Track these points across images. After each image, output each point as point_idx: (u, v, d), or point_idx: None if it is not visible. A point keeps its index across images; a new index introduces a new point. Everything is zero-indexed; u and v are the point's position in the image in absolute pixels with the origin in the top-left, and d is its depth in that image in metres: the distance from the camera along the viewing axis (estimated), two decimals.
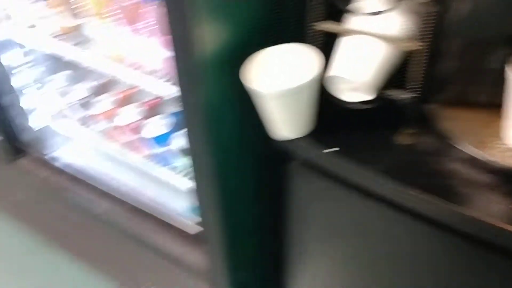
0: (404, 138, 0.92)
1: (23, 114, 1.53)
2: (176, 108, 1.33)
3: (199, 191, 1.09)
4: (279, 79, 0.84)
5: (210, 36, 0.83)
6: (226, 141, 0.99)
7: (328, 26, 0.86)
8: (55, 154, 1.56)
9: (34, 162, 1.56)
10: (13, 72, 1.44)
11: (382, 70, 0.85)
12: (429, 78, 0.90)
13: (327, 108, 0.96)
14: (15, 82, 1.46)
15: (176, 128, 1.33)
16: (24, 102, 1.52)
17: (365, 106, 0.88)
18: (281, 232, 1.22)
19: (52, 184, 1.52)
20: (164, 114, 1.36)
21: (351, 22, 0.87)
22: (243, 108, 0.98)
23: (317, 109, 0.92)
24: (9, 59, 1.42)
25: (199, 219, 1.22)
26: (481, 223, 0.80)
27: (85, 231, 1.62)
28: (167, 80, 1.15)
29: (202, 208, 1.13)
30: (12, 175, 1.63)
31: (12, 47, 1.41)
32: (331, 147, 0.91)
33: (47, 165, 1.54)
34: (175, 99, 1.32)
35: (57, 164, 1.53)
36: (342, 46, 0.87)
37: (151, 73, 1.17)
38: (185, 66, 0.86)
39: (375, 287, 1.13)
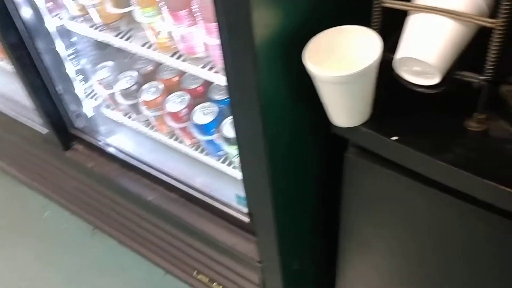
0: (475, 124, 0.83)
1: (77, 101, 1.54)
2: (221, 96, 1.32)
3: (247, 182, 1.05)
4: (340, 63, 0.78)
5: (268, 19, 0.78)
6: (279, 130, 0.94)
7: (395, 3, 0.78)
8: (107, 140, 1.56)
9: (87, 149, 1.58)
10: (68, 59, 1.45)
11: (453, 50, 0.77)
12: (505, 57, 0.81)
13: (390, 92, 0.89)
14: (69, 69, 1.47)
15: (222, 116, 1.29)
16: (78, 89, 1.53)
17: (432, 90, 0.80)
18: (336, 221, 1.17)
19: (104, 171, 1.53)
20: (209, 102, 1.32)
21: None
22: (300, 94, 0.93)
23: (377, 94, 0.86)
24: (63, 46, 1.43)
25: (249, 208, 1.19)
26: None
27: (136, 216, 1.62)
28: (211, 68, 1.12)
29: (250, 199, 1.10)
30: (66, 162, 1.65)
31: (65, 34, 1.42)
32: (392, 135, 0.84)
33: (100, 151, 1.55)
34: (220, 87, 1.30)
35: (109, 150, 1.53)
36: (410, 25, 0.79)
37: (196, 60, 1.13)
38: (239, 52, 0.80)
39: (432, 280, 1.06)
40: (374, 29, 0.82)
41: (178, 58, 1.19)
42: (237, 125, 0.96)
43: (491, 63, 0.76)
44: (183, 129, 1.39)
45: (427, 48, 0.75)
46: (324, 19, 0.83)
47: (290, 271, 1.25)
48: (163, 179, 1.43)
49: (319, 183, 1.19)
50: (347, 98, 0.82)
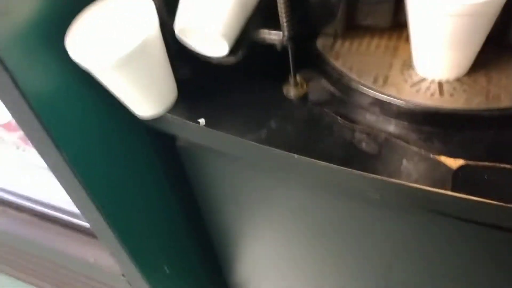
0: (290, 90, 0.72)
1: None
2: None
3: (67, 190, 0.89)
4: (113, 45, 0.63)
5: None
6: (76, 132, 0.78)
7: None
8: None
9: None
10: None
11: (236, 9, 0.63)
12: (308, 6, 0.69)
13: (194, 68, 0.76)
14: None
15: None
16: None
17: (230, 59, 0.67)
18: (195, 219, 1.05)
19: None
20: None
21: None
22: (93, 88, 0.77)
23: (179, 72, 0.72)
24: None
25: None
26: (398, 187, 0.62)
27: None
28: None
29: (78, 207, 0.94)
30: None
31: None
32: (199, 118, 0.71)
33: None
34: None
35: None
36: None
37: None
38: None
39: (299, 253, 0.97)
40: None
41: None
42: (27, 135, 0.80)
43: (291, 15, 0.63)
44: (23, 139, 1.21)
45: (198, 12, 0.61)
46: None
47: (161, 277, 1.12)
48: (9, 199, 1.24)
49: (166, 178, 1.05)
50: (135, 84, 0.67)
